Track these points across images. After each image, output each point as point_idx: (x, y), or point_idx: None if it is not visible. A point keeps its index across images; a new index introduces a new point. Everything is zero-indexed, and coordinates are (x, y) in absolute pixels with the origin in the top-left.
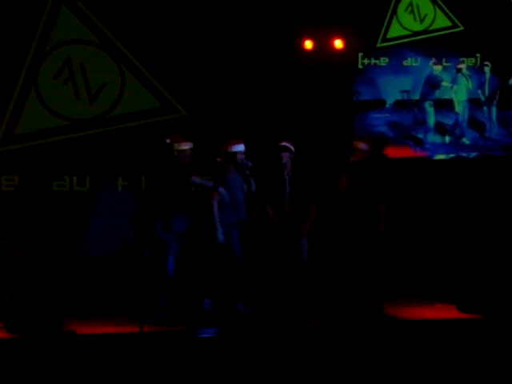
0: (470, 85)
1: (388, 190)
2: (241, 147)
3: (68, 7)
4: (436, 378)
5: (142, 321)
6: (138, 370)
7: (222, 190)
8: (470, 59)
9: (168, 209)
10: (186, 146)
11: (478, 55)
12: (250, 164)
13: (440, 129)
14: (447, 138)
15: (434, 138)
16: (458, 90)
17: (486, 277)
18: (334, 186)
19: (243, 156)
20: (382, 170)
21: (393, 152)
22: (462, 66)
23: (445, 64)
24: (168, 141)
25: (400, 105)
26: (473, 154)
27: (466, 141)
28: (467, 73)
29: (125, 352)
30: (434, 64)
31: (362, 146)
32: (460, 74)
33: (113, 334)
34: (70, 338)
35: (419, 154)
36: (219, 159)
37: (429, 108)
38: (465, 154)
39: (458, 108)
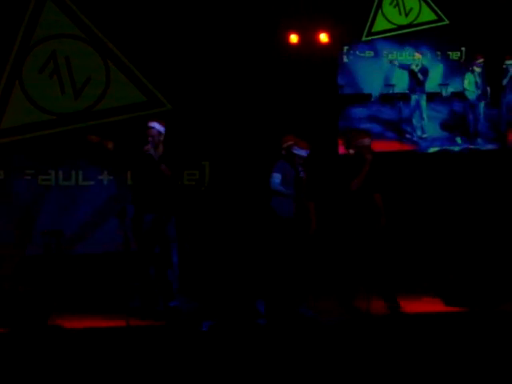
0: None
1: (382, 180)
2: (302, 152)
3: (53, 1)
4: (423, 372)
5: (129, 315)
6: (125, 364)
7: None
8: (455, 53)
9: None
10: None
11: (463, 49)
12: (302, 174)
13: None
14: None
15: (421, 131)
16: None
17: (471, 270)
18: (346, 184)
19: (300, 161)
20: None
21: (379, 146)
22: (477, 69)
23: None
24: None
25: (385, 98)
26: (460, 148)
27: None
28: (478, 70)
29: (111, 346)
30: (416, 56)
31: (367, 141)
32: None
33: (99, 328)
34: (56, 332)
35: (406, 147)
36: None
37: (415, 101)
38: (452, 148)
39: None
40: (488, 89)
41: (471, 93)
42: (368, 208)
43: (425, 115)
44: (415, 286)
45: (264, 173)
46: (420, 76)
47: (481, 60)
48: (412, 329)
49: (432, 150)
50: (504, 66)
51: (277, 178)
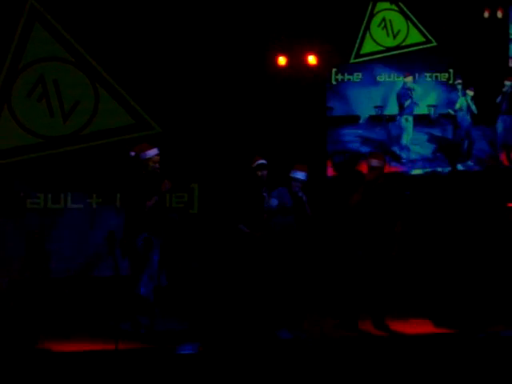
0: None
1: (404, 208)
2: (301, 175)
3: (41, 24)
4: None
5: (118, 338)
6: None
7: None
8: (442, 74)
9: (147, 224)
10: (151, 153)
11: (451, 71)
12: (301, 194)
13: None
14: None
15: (409, 153)
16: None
17: (460, 291)
18: (345, 201)
19: (299, 185)
20: (397, 187)
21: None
22: (470, 93)
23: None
24: (132, 153)
25: (374, 120)
26: (448, 169)
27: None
28: (470, 97)
29: (100, 369)
30: (405, 77)
31: (374, 162)
32: (462, 96)
33: (88, 351)
34: (44, 356)
35: (395, 169)
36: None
37: (405, 123)
38: (440, 169)
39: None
40: (479, 111)
41: (462, 115)
42: (382, 233)
43: (411, 137)
44: (404, 307)
45: (253, 194)
46: (401, 98)
47: (471, 92)
48: (401, 350)
49: (418, 171)
50: (504, 89)
51: (273, 202)
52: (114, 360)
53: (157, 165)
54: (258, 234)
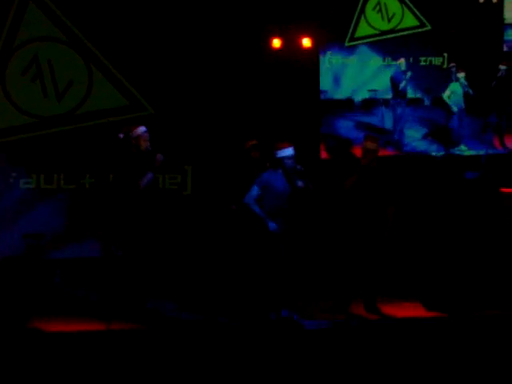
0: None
1: (398, 193)
2: (288, 151)
3: (36, 4)
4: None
5: (110, 318)
6: (105, 368)
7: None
8: (437, 59)
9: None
10: (140, 131)
11: (446, 55)
12: (299, 167)
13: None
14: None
15: (403, 137)
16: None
17: (451, 275)
18: (339, 184)
19: (291, 160)
20: (392, 172)
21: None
22: (461, 75)
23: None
24: (121, 135)
25: (368, 104)
26: (441, 153)
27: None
28: (464, 83)
29: (91, 350)
30: (398, 60)
31: (369, 145)
32: (455, 80)
33: (79, 331)
34: (35, 336)
35: (389, 153)
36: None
37: (398, 107)
38: (433, 153)
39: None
40: (473, 95)
41: (455, 100)
42: (375, 217)
43: (405, 120)
44: (396, 291)
45: (245, 178)
46: (395, 82)
47: (462, 74)
48: (393, 333)
49: (413, 155)
50: (499, 74)
51: (253, 190)
52: (105, 340)
53: (148, 143)
54: (234, 207)
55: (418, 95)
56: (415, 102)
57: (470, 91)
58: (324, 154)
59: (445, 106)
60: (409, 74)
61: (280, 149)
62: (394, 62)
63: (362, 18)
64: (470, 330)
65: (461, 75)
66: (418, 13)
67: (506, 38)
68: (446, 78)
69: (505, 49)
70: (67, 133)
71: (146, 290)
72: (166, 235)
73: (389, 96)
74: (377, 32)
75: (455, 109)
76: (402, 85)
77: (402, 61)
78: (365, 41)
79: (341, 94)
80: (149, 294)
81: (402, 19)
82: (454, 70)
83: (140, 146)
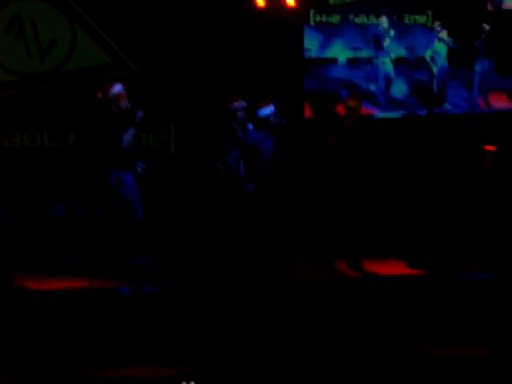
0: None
1: (381, 151)
2: (271, 109)
3: None
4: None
5: (93, 276)
6: (88, 326)
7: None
8: (421, 17)
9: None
10: (117, 89)
11: (430, 13)
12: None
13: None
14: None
15: (387, 95)
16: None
17: (436, 233)
18: (323, 143)
19: (276, 116)
20: (373, 130)
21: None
22: (444, 33)
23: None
24: (99, 94)
25: (352, 62)
26: (425, 112)
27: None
28: (448, 39)
29: (75, 307)
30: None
31: (352, 103)
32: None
33: (64, 289)
34: (20, 294)
35: (372, 111)
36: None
37: (382, 66)
38: (417, 112)
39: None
40: (458, 50)
41: (437, 60)
42: (360, 174)
43: (389, 79)
44: (380, 249)
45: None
46: (379, 41)
47: (445, 32)
48: (376, 291)
49: (396, 114)
50: (484, 32)
51: (235, 151)
52: (89, 298)
53: (126, 100)
54: (222, 166)
55: (402, 54)
56: (399, 61)
57: (456, 46)
58: (308, 113)
59: (427, 66)
60: (392, 31)
61: (262, 107)
62: (377, 21)
63: None
64: (454, 287)
65: (444, 34)
66: None
67: None
68: (431, 37)
69: (489, 7)
70: (50, 91)
71: (129, 248)
72: (149, 193)
73: (373, 54)
74: None
75: (435, 69)
76: (385, 44)
77: (385, 18)
78: None
79: (325, 53)
80: (131, 251)
81: None
82: (438, 29)
83: (119, 104)
